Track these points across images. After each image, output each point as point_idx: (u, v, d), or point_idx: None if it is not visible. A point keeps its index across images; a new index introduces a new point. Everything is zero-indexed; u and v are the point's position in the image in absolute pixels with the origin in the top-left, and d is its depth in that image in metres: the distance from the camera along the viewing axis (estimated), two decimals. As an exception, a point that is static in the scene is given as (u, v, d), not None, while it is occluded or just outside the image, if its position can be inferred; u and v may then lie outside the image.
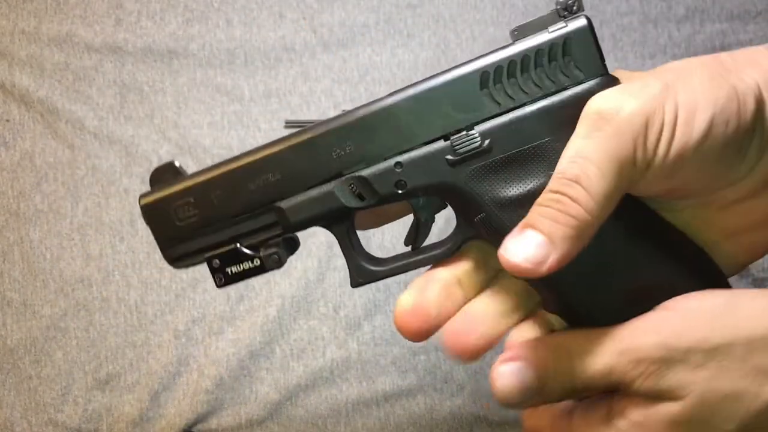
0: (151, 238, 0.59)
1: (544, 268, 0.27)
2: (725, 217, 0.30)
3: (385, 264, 0.34)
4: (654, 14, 0.63)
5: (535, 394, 0.30)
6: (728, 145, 0.28)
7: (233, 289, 0.57)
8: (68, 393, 0.56)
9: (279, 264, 0.35)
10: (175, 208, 0.36)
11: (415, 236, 0.35)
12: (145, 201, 0.36)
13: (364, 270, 0.34)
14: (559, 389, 0.30)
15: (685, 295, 0.29)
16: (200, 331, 0.56)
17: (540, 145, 0.30)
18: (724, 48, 0.62)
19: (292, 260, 0.58)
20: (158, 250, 0.58)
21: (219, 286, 0.36)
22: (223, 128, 0.60)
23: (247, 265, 0.36)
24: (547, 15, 0.30)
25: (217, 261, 0.36)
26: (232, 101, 0.61)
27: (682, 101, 0.27)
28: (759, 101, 0.28)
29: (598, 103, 0.28)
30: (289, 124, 0.64)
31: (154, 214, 0.36)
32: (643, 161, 0.28)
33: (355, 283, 0.34)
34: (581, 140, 0.28)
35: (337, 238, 0.35)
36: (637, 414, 0.29)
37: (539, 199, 0.28)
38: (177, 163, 0.36)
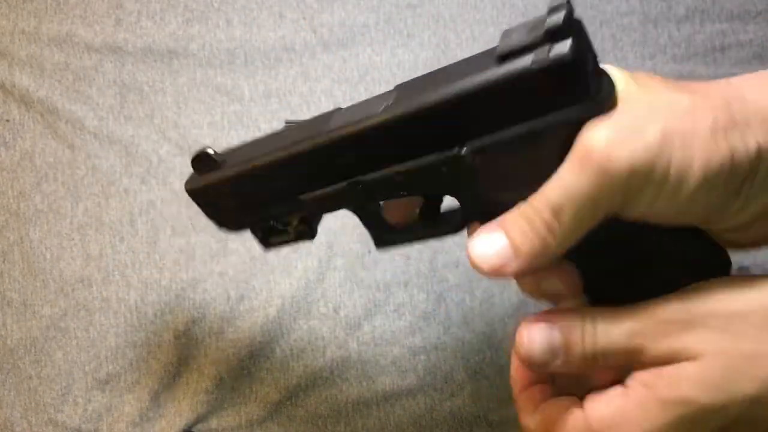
0: (152, 238, 0.60)
1: (503, 272, 0.29)
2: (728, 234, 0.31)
3: (402, 234, 0.37)
4: (654, 14, 0.63)
5: (558, 356, 0.31)
6: (708, 209, 0.28)
7: (233, 290, 0.57)
8: (68, 393, 0.56)
9: (311, 235, 0.40)
10: (215, 195, 0.41)
11: (426, 213, 0.37)
12: (189, 186, 0.42)
13: (385, 235, 0.37)
14: (580, 354, 0.31)
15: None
16: (200, 331, 0.56)
17: (525, 162, 0.30)
18: (724, 48, 0.62)
19: (292, 260, 0.58)
20: (158, 250, 0.59)
21: (265, 250, 0.43)
22: (223, 128, 0.60)
23: (284, 237, 0.42)
24: (537, 20, 0.29)
25: (260, 232, 0.42)
26: (232, 101, 0.61)
27: (676, 163, 0.27)
28: (753, 166, 0.28)
29: (590, 140, 0.28)
30: (289, 124, 0.65)
31: (197, 196, 0.42)
32: (623, 209, 0.28)
33: (379, 246, 0.38)
34: (570, 174, 0.28)
35: (357, 215, 0.37)
36: (648, 375, 0.29)
37: (519, 207, 0.29)
38: (211, 151, 0.40)
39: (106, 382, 0.56)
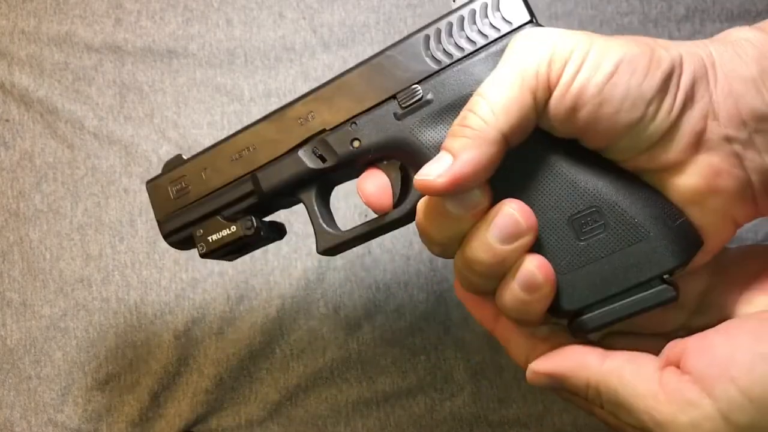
0: (151, 238, 0.59)
1: (445, 178, 0.29)
2: (675, 183, 0.30)
3: (351, 232, 0.37)
4: (654, 14, 0.63)
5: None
6: (629, 96, 0.29)
7: (233, 290, 0.57)
8: (68, 393, 0.56)
9: (252, 230, 0.39)
10: (173, 187, 0.42)
11: (396, 197, 0.37)
12: (149, 182, 0.42)
13: (327, 235, 0.38)
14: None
15: (723, 362, 0.27)
16: (200, 332, 0.56)
17: (474, 92, 0.32)
18: (724, 48, 0.62)
19: (292, 260, 0.58)
20: (158, 250, 0.59)
21: (201, 255, 0.41)
22: (223, 128, 0.60)
23: (225, 232, 0.40)
24: None
25: (200, 230, 0.41)
26: (231, 101, 0.61)
27: (596, 48, 0.29)
28: (673, 66, 0.29)
29: (515, 37, 0.31)
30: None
31: (155, 192, 0.42)
32: (545, 85, 0.29)
33: (321, 248, 0.38)
34: (495, 77, 0.30)
35: (305, 205, 0.38)
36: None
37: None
38: (185, 157, 0.42)
39: (106, 383, 0.56)
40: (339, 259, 0.57)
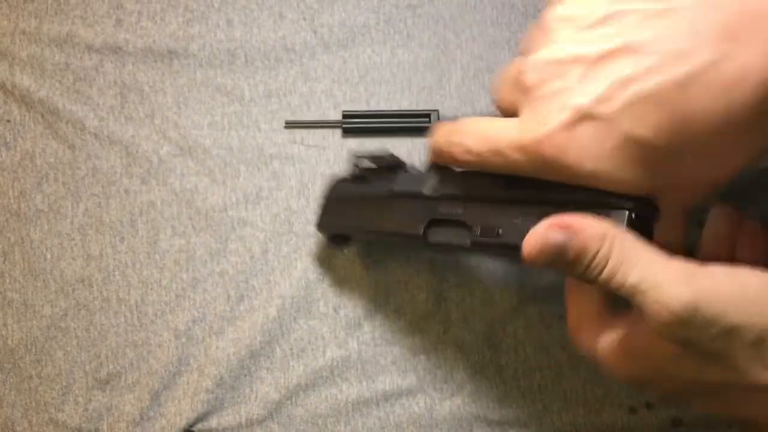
0: (152, 238, 0.60)
1: None
2: None
3: None
4: (653, 14, 0.63)
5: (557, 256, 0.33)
6: None
7: (233, 290, 0.57)
8: (69, 392, 0.56)
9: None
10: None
11: None
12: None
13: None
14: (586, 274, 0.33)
15: (733, 268, 0.30)
16: (200, 331, 0.57)
17: None
18: (723, 48, 0.62)
19: (292, 260, 0.58)
20: (158, 250, 0.59)
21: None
22: (224, 128, 0.60)
23: None
24: None
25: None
26: (232, 101, 0.61)
27: None
28: None
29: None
30: (289, 124, 0.65)
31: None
32: None
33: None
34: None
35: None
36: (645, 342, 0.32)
37: None
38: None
39: (107, 382, 0.56)
40: (339, 259, 0.58)
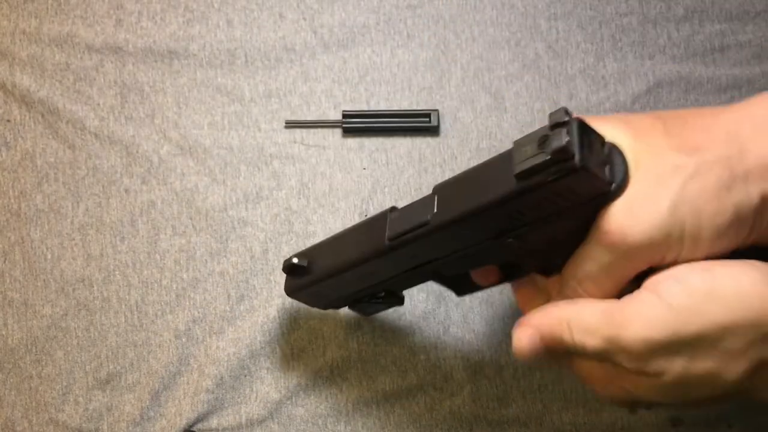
0: (152, 237, 0.60)
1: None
2: None
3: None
4: (653, 14, 0.63)
5: (543, 354, 0.37)
6: (725, 245, 0.33)
7: (234, 289, 0.57)
8: (69, 392, 0.56)
9: (400, 302, 0.51)
10: (311, 293, 0.50)
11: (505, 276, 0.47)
12: (288, 291, 0.51)
13: (466, 291, 0.48)
14: (562, 353, 0.36)
15: (672, 271, 0.33)
16: (201, 331, 0.57)
17: (555, 238, 0.37)
18: (723, 48, 0.62)
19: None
20: (158, 250, 0.59)
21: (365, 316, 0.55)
22: (224, 128, 0.60)
23: (378, 307, 0.52)
24: (544, 135, 0.32)
25: (356, 307, 0.52)
26: (232, 101, 0.61)
27: (689, 229, 0.31)
28: (759, 211, 0.31)
29: (607, 223, 0.33)
30: (289, 124, 0.65)
31: (296, 297, 0.51)
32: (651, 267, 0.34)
33: (462, 294, 0.48)
34: (591, 262, 0.34)
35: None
36: (627, 382, 0.35)
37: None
38: (296, 260, 0.48)
39: (107, 382, 0.56)
40: (339, 259, 0.58)
